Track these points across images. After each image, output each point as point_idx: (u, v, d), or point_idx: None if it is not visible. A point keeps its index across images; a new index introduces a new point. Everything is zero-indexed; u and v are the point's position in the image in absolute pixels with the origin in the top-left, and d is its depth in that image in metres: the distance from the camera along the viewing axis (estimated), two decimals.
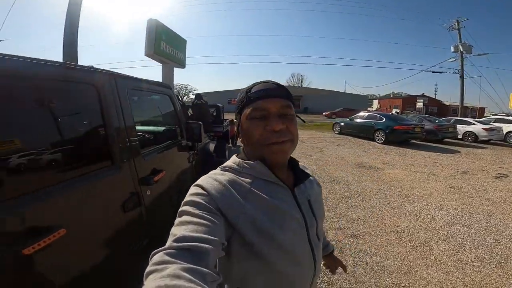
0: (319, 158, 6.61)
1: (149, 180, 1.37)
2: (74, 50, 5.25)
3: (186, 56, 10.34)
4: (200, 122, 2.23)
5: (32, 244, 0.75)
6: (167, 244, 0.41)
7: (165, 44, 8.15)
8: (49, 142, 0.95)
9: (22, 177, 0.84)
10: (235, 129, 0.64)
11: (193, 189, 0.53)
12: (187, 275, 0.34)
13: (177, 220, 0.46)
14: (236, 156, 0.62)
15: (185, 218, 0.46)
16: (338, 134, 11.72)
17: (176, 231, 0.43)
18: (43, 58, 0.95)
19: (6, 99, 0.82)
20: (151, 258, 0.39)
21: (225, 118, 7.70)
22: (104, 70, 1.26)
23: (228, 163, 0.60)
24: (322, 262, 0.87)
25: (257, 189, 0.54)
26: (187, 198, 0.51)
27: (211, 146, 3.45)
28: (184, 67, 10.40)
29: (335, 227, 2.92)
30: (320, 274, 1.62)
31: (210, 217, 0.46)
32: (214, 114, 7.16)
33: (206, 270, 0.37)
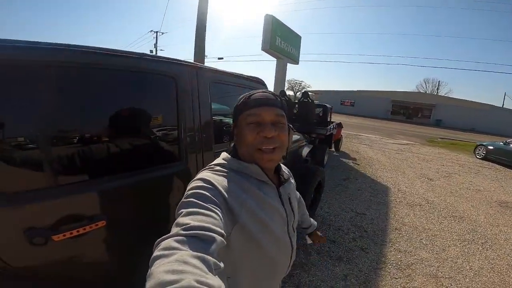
0: (443, 185, 5.08)
1: None
2: (203, 46, 6.27)
3: (305, 52, 10.31)
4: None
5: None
6: (174, 231, 0.42)
7: (280, 40, 8.29)
8: (120, 133, 0.97)
9: (93, 166, 0.88)
10: (232, 130, 0.70)
11: (198, 182, 0.56)
12: (194, 262, 0.35)
13: (183, 210, 0.48)
14: (227, 153, 0.69)
15: (192, 209, 0.48)
16: (481, 159, 8.76)
17: (183, 220, 0.45)
18: (126, 50, 0.98)
19: (83, 90, 0.87)
20: (157, 245, 0.40)
21: (332, 120, 7.10)
22: (185, 61, 1.23)
23: (222, 161, 0.66)
24: (309, 240, 1.11)
25: (253, 186, 0.63)
26: (192, 190, 0.54)
27: (305, 150, 3.11)
28: (298, 63, 10.46)
29: (430, 272, 2.24)
30: None
31: (215, 209, 0.50)
32: (320, 114, 6.73)
33: (212, 258, 0.39)
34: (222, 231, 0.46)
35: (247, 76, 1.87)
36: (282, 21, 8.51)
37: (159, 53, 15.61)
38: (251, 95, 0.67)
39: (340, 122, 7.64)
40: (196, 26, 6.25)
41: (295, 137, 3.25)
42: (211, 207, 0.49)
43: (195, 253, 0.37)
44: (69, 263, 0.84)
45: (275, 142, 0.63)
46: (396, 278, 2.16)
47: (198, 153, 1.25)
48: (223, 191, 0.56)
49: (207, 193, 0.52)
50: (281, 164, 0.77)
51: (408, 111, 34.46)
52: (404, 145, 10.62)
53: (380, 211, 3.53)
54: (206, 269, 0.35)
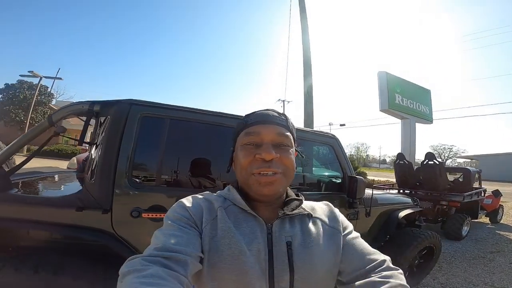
0: None
1: None
2: (311, 113, 6.90)
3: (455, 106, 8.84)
4: (361, 178, 1.94)
5: None
6: (147, 252, 0.42)
7: (400, 97, 7.60)
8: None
9: None
10: (231, 155, 0.60)
11: (175, 205, 0.54)
12: (170, 278, 0.36)
13: (158, 231, 0.48)
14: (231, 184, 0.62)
15: (166, 230, 0.47)
16: None
17: (157, 240, 0.45)
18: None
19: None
20: (127, 262, 0.40)
21: (482, 187, 5.37)
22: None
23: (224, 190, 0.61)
24: None
25: (227, 212, 0.53)
26: (169, 212, 0.52)
27: (402, 212, 2.58)
28: (431, 122, 8.94)
29: None
30: None
31: (188, 230, 0.48)
32: (460, 180, 5.31)
33: (185, 278, 0.39)
34: (195, 251, 0.44)
35: (317, 131, 2.15)
36: (399, 76, 7.95)
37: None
38: (252, 112, 0.58)
39: (497, 190, 5.74)
40: (304, 96, 7.16)
41: (395, 198, 2.83)
42: (184, 228, 0.48)
43: (169, 271, 0.37)
44: (145, 235, 1.32)
45: (277, 167, 0.51)
46: None
47: None
48: (194, 211, 0.51)
49: (180, 215, 0.50)
50: (301, 199, 0.59)
51: None
52: None
53: None
54: (180, 286, 0.36)
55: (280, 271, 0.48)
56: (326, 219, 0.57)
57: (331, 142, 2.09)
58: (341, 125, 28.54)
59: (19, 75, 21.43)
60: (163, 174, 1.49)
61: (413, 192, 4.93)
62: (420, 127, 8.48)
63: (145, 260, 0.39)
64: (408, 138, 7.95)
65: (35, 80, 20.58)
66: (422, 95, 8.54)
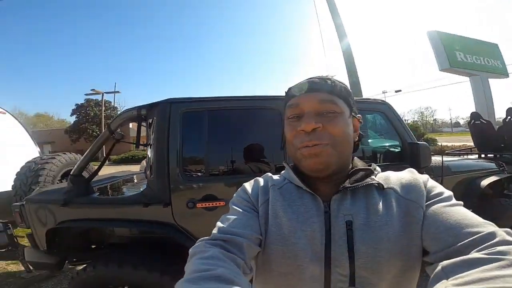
0: None
1: None
2: (358, 82, 6.31)
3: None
4: (425, 143, 1.68)
5: None
6: (211, 235, 0.45)
7: (462, 54, 6.79)
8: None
9: None
10: (282, 131, 0.56)
11: (239, 189, 0.56)
12: (226, 259, 0.38)
13: (223, 216, 0.50)
14: None
15: (229, 214, 0.49)
16: None
17: (220, 224, 0.47)
18: None
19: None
20: (195, 244, 0.43)
21: None
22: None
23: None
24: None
25: (282, 191, 0.51)
26: (233, 197, 0.55)
27: (485, 181, 2.15)
28: (507, 76, 7.78)
29: None
30: None
31: (247, 212, 0.49)
32: None
33: (241, 260, 0.40)
34: (253, 233, 0.45)
35: (361, 99, 1.93)
36: (456, 34, 7.17)
37: None
38: (295, 85, 0.54)
39: None
40: (345, 62, 6.62)
41: (476, 164, 2.38)
42: (244, 212, 0.49)
43: (227, 253, 0.40)
44: (204, 225, 1.38)
45: (321, 138, 0.45)
46: None
47: None
48: (252, 193, 0.52)
49: (242, 198, 0.52)
50: (370, 169, 0.50)
51: None
52: None
53: None
54: (236, 268, 0.38)
55: (339, 256, 0.42)
56: (402, 190, 0.46)
57: (382, 109, 1.86)
58: (396, 91, 25.40)
59: (85, 94, 25.24)
60: (210, 164, 1.54)
61: (497, 155, 4.08)
62: (495, 82, 7.51)
63: (208, 243, 0.42)
64: (482, 95, 7.01)
65: (99, 97, 24.00)
66: (489, 50, 7.62)
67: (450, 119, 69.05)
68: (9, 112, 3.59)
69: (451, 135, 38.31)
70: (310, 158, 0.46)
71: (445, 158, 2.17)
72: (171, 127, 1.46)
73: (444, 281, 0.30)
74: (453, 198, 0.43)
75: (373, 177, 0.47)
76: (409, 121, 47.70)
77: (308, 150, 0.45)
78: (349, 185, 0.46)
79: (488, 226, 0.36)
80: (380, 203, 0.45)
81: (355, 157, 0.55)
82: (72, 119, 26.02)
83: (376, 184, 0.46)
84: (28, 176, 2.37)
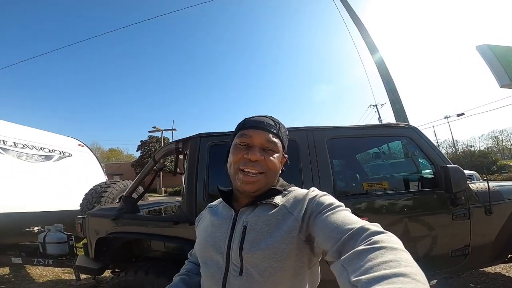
0: None
1: None
2: (402, 109, 5.91)
3: None
4: (457, 166, 1.59)
5: None
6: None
7: None
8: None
9: None
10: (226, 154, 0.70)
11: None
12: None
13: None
14: None
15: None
16: None
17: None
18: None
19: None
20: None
21: None
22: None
23: None
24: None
25: (215, 208, 0.72)
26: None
27: None
28: None
29: None
30: None
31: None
32: None
33: (195, 264, 0.82)
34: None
35: (379, 125, 1.94)
36: (506, 45, 6.22)
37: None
38: (251, 117, 0.67)
39: None
40: (386, 91, 6.35)
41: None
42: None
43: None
44: None
45: (260, 167, 0.60)
46: None
47: None
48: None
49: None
50: (279, 190, 0.64)
51: None
52: None
53: None
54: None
55: (235, 250, 0.58)
56: (291, 206, 0.60)
57: (408, 133, 1.83)
58: (458, 115, 22.47)
59: (148, 132, 29.00)
60: None
61: None
62: None
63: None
64: None
65: (159, 134, 27.33)
66: None
67: None
68: (87, 146, 4.51)
69: None
70: (246, 184, 0.60)
71: (497, 183, 1.91)
72: (200, 158, 1.72)
73: (346, 273, 0.40)
74: (340, 207, 0.55)
75: (276, 196, 0.63)
76: (482, 148, 40.60)
77: (249, 177, 0.60)
78: (253, 201, 0.63)
79: (362, 222, 0.48)
80: (270, 215, 0.59)
81: (281, 179, 0.70)
82: (138, 154, 29.70)
83: (272, 203, 0.61)
84: (94, 197, 2.90)
